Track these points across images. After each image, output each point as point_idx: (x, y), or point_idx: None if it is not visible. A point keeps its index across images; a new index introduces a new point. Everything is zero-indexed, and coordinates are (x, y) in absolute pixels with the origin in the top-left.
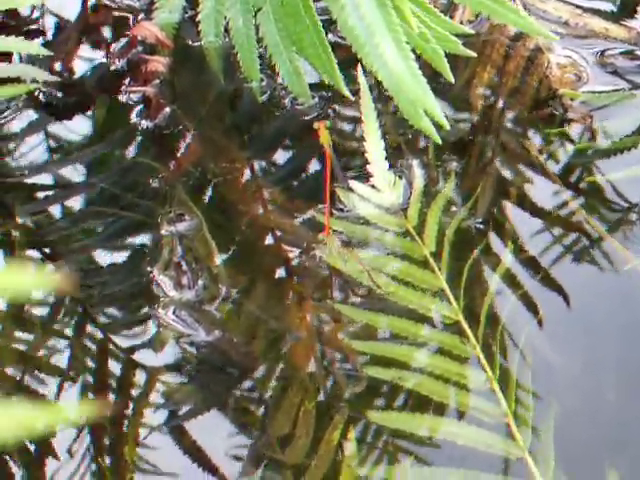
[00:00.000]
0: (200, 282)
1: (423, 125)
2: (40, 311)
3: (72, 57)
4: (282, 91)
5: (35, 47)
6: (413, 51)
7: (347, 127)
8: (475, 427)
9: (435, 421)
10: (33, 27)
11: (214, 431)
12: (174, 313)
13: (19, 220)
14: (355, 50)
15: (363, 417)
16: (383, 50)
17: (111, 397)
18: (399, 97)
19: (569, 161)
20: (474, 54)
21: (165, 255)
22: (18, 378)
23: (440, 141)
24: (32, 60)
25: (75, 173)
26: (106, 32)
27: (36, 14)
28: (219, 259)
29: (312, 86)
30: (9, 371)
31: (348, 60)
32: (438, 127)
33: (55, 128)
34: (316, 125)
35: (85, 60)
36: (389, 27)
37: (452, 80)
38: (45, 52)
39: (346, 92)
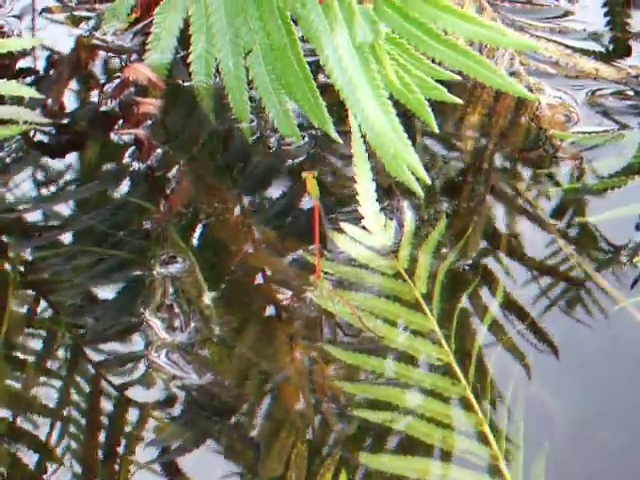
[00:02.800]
0: (192, 324)
1: (405, 178)
2: (32, 348)
3: (62, 95)
4: (272, 132)
5: (26, 90)
6: (397, 101)
7: (338, 168)
8: (465, 470)
9: (426, 463)
10: (25, 66)
11: (206, 473)
12: (166, 356)
13: (13, 258)
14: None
15: (354, 459)
16: (364, 105)
17: (102, 434)
18: (380, 151)
19: (558, 201)
20: (460, 101)
21: (157, 297)
22: (11, 419)
23: (422, 194)
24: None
25: (67, 212)
26: (98, 72)
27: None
28: (211, 300)
29: (302, 126)
30: (1, 411)
31: (339, 101)
32: (436, 167)
33: (48, 167)
34: (304, 175)
35: (78, 100)
36: (370, 83)
37: (436, 130)
38: (36, 95)
39: (334, 135)
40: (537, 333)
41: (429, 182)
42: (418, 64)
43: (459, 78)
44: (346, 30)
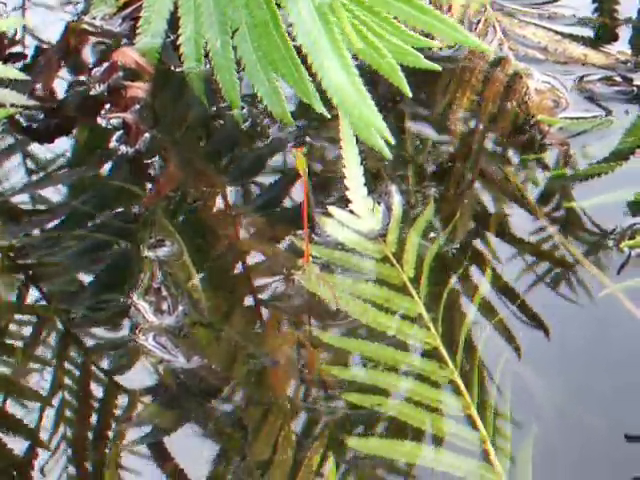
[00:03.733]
0: (180, 307)
1: (373, 141)
2: (20, 333)
3: (52, 80)
4: (264, 118)
5: (13, 72)
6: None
7: (326, 152)
8: (453, 453)
9: (413, 447)
10: (15, 50)
11: (194, 457)
12: (154, 339)
13: (1, 243)
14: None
15: (342, 443)
16: (328, 67)
17: (92, 419)
18: (347, 113)
19: (546, 187)
20: (438, 67)
21: (145, 280)
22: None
23: (390, 156)
24: (11, 82)
25: (55, 196)
26: (87, 56)
27: (18, 35)
28: (199, 284)
29: (293, 113)
30: None
31: None
32: (424, 152)
33: (36, 151)
34: (293, 152)
35: (66, 84)
36: (332, 44)
37: (409, 94)
38: (23, 77)
39: (321, 109)
40: (525, 316)
41: (393, 142)
42: (393, 29)
43: (436, 44)
44: None
